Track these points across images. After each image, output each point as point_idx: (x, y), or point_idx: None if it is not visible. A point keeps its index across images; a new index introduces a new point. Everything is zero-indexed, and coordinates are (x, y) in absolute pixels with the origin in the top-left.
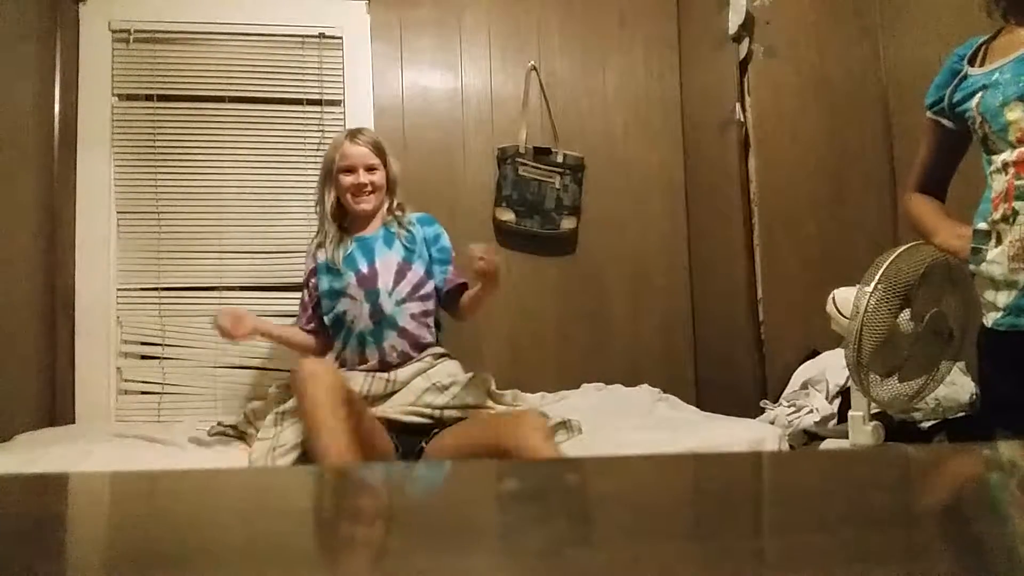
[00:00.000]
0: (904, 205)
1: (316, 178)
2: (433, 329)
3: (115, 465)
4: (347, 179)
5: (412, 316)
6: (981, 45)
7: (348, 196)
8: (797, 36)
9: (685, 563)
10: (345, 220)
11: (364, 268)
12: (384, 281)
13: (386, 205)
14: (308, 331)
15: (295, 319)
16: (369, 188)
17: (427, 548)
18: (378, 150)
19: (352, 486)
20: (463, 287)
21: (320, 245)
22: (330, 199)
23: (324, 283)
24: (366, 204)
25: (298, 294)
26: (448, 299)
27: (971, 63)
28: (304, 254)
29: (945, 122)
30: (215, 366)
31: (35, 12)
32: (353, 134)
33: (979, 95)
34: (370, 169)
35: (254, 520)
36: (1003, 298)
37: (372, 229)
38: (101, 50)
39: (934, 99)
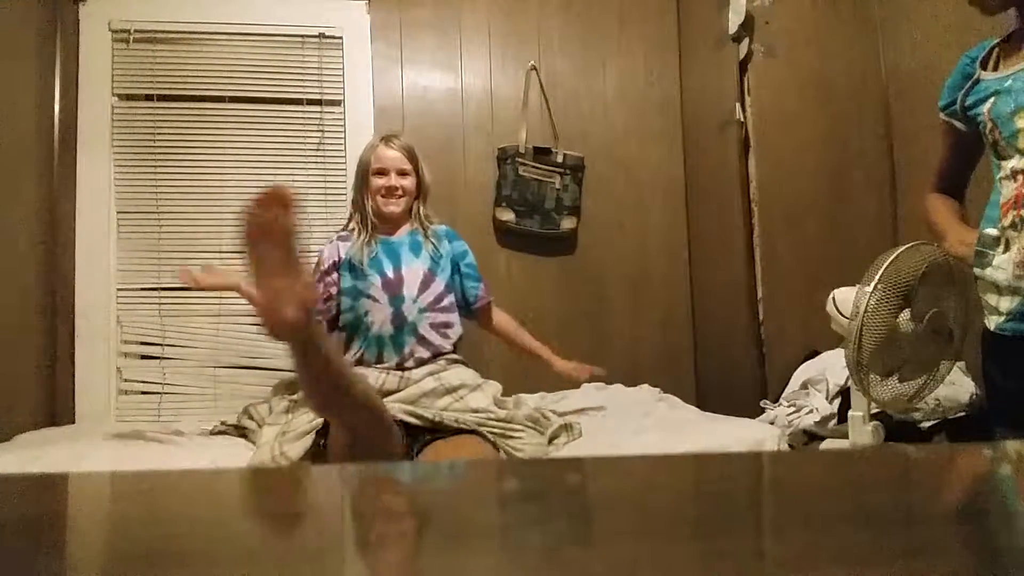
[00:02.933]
0: (922, 206)
1: (315, 178)
2: (451, 340)
3: (115, 465)
4: (379, 181)
5: (432, 325)
6: (993, 48)
7: (378, 198)
8: (797, 36)
9: (685, 563)
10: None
11: (390, 273)
12: (409, 288)
13: (414, 211)
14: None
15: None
16: (400, 192)
17: (427, 548)
18: (411, 156)
19: (352, 487)
20: (490, 303)
21: (344, 240)
22: (370, 202)
23: (347, 280)
24: (394, 207)
25: None
26: (477, 313)
27: (983, 66)
28: (304, 252)
29: (958, 124)
30: (215, 366)
31: (35, 12)
32: (387, 138)
33: (991, 100)
34: (402, 174)
35: (254, 520)
36: (1006, 303)
37: (399, 234)
38: (101, 50)
39: (947, 101)
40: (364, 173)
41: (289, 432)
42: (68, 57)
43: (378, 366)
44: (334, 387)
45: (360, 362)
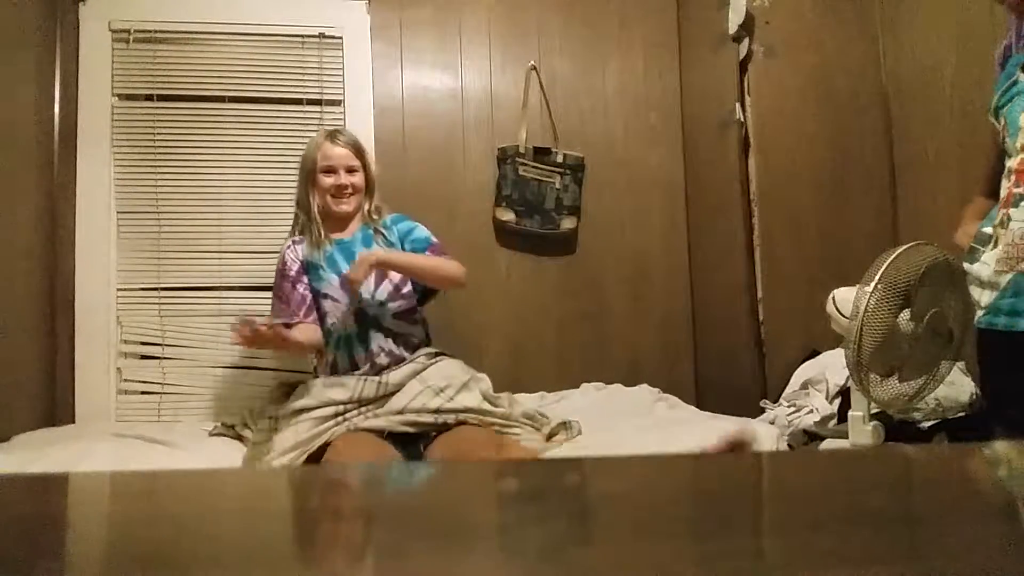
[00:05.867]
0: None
1: None
2: (421, 327)
3: (115, 465)
4: (328, 180)
5: (396, 315)
6: None
7: (328, 197)
8: (797, 36)
9: (685, 563)
10: (324, 221)
11: (345, 271)
12: (366, 284)
13: (365, 207)
14: (310, 323)
15: (286, 316)
16: (350, 190)
17: (427, 548)
18: (358, 151)
19: (352, 486)
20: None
21: (296, 243)
22: (316, 200)
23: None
24: (346, 206)
25: None
26: (427, 291)
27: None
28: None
29: (996, 124)
30: (215, 366)
31: (35, 12)
32: (333, 135)
33: (1013, 101)
34: (351, 171)
35: (253, 520)
36: (986, 297)
37: (350, 231)
38: (101, 50)
39: (989, 103)
40: (310, 172)
41: (274, 451)
42: (68, 57)
43: (354, 373)
44: None
45: (333, 367)
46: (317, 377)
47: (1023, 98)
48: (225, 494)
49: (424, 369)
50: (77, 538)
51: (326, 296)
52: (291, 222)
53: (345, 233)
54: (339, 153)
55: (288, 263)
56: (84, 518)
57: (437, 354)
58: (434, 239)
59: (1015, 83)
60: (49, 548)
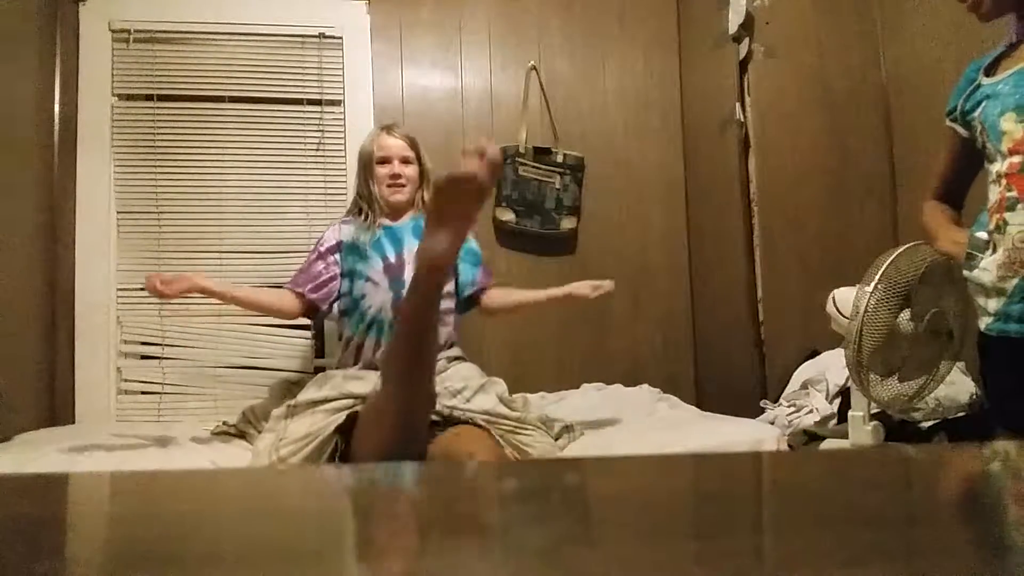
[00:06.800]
0: (919, 211)
1: (315, 178)
2: (451, 329)
3: (115, 465)
4: (382, 170)
5: None
6: (1000, 56)
7: (383, 187)
8: (797, 36)
9: (685, 563)
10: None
11: (392, 256)
12: (411, 272)
13: (418, 199)
14: (299, 293)
15: (289, 281)
16: (403, 180)
17: (427, 548)
18: (413, 143)
19: (352, 486)
20: (484, 289)
21: (347, 223)
22: (375, 189)
23: (347, 262)
24: (400, 196)
25: None
26: (469, 301)
27: (987, 73)
28: (305, 252)
29: (960, 130)
30: (215, 366)
31: (35, 12)
32: (389, 127)
33: (983, 105)
34: (405, 161)
35: (254, 520)
36: (993, 304)
37: (402, 220)
38: (101, 50)
39: (950, 106)
40: (367, 163)
41: (286, 438)
42: (68, 57)
43: (374, 370)
44: (426, 350)
45: (359, 349)
46: (336, 368)
47: (995, 101)
48: (225, 494)
49: (443, 371)
50: (77, 538)
51: (368, 279)
52: (287, 221)
53: (396, 221)
54: (394, 143)
55: (326, 239)
56: (84, 518)
57: (456, 358)
58: (481, 262)
59: (978, 87)
60: (49, 548)
